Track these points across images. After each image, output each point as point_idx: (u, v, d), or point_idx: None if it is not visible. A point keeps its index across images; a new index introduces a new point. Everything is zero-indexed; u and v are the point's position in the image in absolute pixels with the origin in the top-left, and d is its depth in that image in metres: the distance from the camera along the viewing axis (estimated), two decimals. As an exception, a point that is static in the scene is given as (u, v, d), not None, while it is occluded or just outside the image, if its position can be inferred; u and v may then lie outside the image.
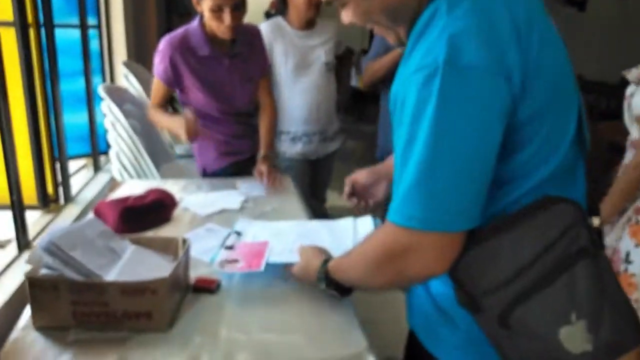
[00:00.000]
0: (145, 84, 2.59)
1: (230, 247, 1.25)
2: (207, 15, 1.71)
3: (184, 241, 1.14)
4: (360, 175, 1.20)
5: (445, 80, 0.66)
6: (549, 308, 0.68)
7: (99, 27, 2.75)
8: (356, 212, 1.27)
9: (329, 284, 0.98)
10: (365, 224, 1.33)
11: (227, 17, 1.69)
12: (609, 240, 1.78)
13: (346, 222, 1.37)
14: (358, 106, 9.26)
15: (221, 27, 1.72)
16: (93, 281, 0.95)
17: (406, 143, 0.71)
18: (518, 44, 0.68)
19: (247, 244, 1.26)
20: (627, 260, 1.68)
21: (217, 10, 1.68)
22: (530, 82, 0.69)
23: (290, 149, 2.62)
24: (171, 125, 1.79)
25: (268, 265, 1.14)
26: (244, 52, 1.89)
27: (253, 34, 1.93)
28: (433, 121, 0.67)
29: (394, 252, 0.74)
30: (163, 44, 1.78)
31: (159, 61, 1.80)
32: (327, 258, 1.01)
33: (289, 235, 1.29)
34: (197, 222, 1.52)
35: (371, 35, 10.90)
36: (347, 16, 0.83)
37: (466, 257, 0.72)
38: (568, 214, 0.70)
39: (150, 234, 1.42)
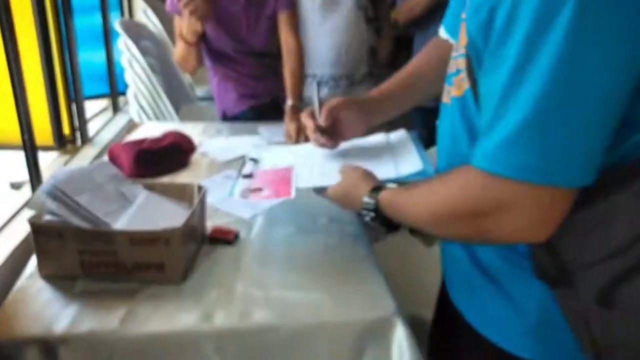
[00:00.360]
0: (165, 21, 2.46)
1: (249, 176, 1.07)
2: None
3: (200, 188, 1.06)
4: (341, 111, 0.98)
5: None
6: None
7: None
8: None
9: (377, 217, 0.81)
10: (401, 139, 1.11)
11: None
12: None
13: (377, 139, 1.14)
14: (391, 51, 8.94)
15: None
16: (100, 229, 0.88)
17: (516, 67, 0.53)
18: None
19: (267, 171, 1.09)
20: None
21: None
22: None
23: (315, 93, 2.51)
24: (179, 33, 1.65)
25: (299, 191, 0.98)
26: None
27: None
28: (567, 37, 0.50)
29: (486, 207, 0.60)
30: None
31: None
32: (378, 185, 0.83)
33: (315, 158, 1.07)
34: (215, 168, 1.44)
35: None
36: None
37: (570, 220, 0.58)
38: None
39: (166, 179, 1.35)
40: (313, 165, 1.06)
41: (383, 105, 1.00)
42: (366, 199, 0.81)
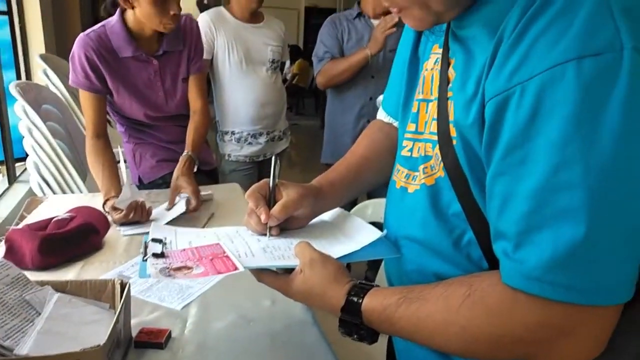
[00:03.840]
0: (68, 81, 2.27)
1: (161, 255, 0.83)
2: (147, 8, 1.45)
3: (122, 284, 0.92)
4: (299, 208, 0.83)
5: (637, 76, 0.45)
6: None
7: (9, 13, 2.38)
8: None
9: (358, 329, 0.65)
10: (338, 214, 0.97)
11: (172, 5, 1.47)
12: None
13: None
14: (295, 100, 9.22)
15: (164, 19, 1.48)
16: (-1, 356, 0.72)
17: (555, 170, 0.48)
18: None
19: (186, 250, 0.87)
20: None
21: (162, 1, 1.44)
22: None
23: (235, 150, 2.46)
24: (103, 190, 1.48)
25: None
26: (175, 49, 1.64)
27: (187, 27, 1.68)
28: (620, 139, 0.45)
29: (537, 334, 0.52)
30: (77, 46, 1.52)
31: (75, 66, 1.53)
32: (355, 283, 0.68)
33: (246, 235, 0.88)
34: (134, 247, 1.29)
35: (305, 31, 10.75)
36: None
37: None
38: None
39: (77, 267, 1.18)
40: (248, 242, 0.86)
41: (334, 195, 0.91)
42: (347, 308, 0.65)
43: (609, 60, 0.46)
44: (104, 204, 1.44)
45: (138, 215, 1.39)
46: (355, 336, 0.66)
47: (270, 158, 2.55)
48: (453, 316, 0.58)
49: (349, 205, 1.36)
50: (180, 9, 1.52)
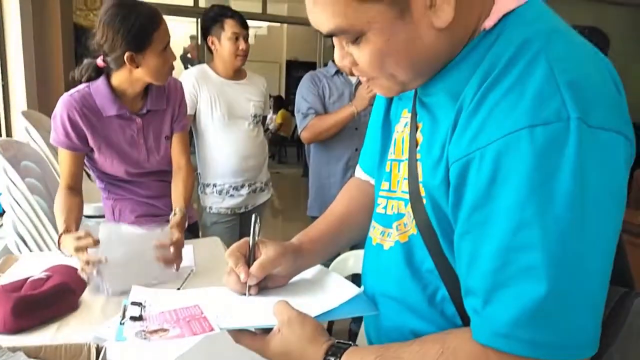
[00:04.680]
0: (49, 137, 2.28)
1: (139, 318, 0.85)
2: (154, 62, 1.52)
3: (98, 349, 0.90)
4: (278, 266, 0.84)
5: (582, 144, 0.49)
6: None
7: (-9, 71, 2.42)
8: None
9: None
10: (317, 272, 0.98)
11: (171, 54, 1.57)
12: None
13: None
14: (278, 149, 9.36)
15: (166, 69, 1.57)
16: None
17: (515, 231, 0.51)
18: (622, 101, 0.55)
19: (164, 312, 0.88)
20: None
21: (164, 51, 1.54)
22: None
23: (217, 203, 2.47)
24: (60, 225, 1.47)
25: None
26: (159, 109, 1.69)
27: (171, 87, 1.73)
28: (572, 202, 0.49)
29: None
30: (60, 106, 1.55)
31: (57, 126, 1.55)
32: (333, 343, 0.68)
33: (224, 295, 0.89)
34: (111, 308, 1.27)
35: (287, 82, 11.00)
36: (345, 58, 0.65)
37: None
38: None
39: (52, 328, 1.16)
40: (227, 302, 0.87)
41: (314, 253, 0.92)
42: None
43: (558, 129, 0.50)
44: (59, 238, 1.43)
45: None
46: None
47: (252, 210, 2.58)
48: None
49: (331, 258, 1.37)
50: (175, 58, 1.59)
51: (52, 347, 0.91)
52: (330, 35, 0.62)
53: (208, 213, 2.51)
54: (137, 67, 1.52)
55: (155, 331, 0.82)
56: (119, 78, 1.56)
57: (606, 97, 0.53)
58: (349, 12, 0.57)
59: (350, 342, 0.68)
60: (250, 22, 2.45)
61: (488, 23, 0.59)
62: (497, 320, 0.53)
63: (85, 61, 1.58)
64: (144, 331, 0.81)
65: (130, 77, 1.54)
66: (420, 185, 0.66)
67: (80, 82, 1.58)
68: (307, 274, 0.97)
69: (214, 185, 2.48)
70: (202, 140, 2.44)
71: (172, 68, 1.59)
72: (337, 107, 2.36)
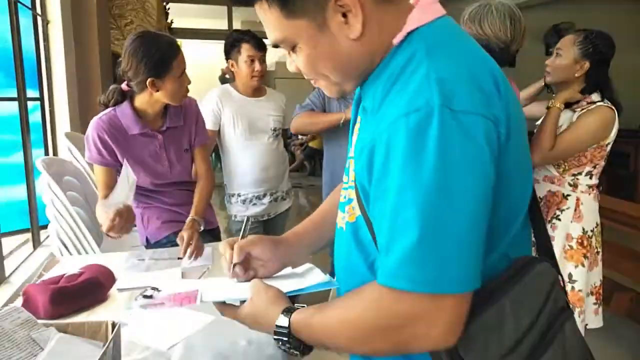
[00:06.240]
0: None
1: (149, 297, 1.16)
2: (172, 86, 1.73)
3: (114, 325, 1.08)
4: (255, 248, 0.99)
5: (444, 124, 0.62)
6: None
7: (41, 99, 2.71)
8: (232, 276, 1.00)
9: (290, 341, 0.79)
10: (306, 267, 1.11)
11: (186, 78, 1.77)
12: None
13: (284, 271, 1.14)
14: (312, 162, 9.52)
15: (183, 92, 1.77)
16: (6, 381, 0.87)
17: (398, 194, 0.64)
18: (499, 96, 0.68)
19: (170, 294, 1.07)
20: (571, 280, 1.93)
21: (181, 77, 1.74)
22: (510, 135, 0.67)
23: (241, 211, 2.62)
24: (99, 216, 1.67)
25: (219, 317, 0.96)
26: (178, 125, 1.89)
27: (187, 105, 1.94)
28: (435, 168, 0.61)
29: (398, 322, 0.66)
30: (91, 128, 1.77)
31: (90, 145, 1.77)
32: (289, 307, 0.82)
33: (221, 281, 1.06)
34: (134, 300, 1.45)
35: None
36: (292, 64, 0.80)
37: (468, 327, 0.66)
38: (547, 273, 0.71)
39: (83, 315, 1.35)
40: (219, 285, 1.07)
41: (297, 245, 1.06)
42: (279, 323, 0.80)
43: (425, 113, 0.63)
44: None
45: (124, 220, 1.55)
46: (288, 346, 0.80)
47: (275, 217, 2.72)
48: (339, 315, 0.74)
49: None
50: (189, 82, 1.80)
51: (77, 323, 1.09)
52: (275, 46, 0.79)
53: (233, 221, 2.68)
54: (157, 90, 1.72)
55: (155, 305, 1.05)
56: (140, 100, 1.77)
57: (472, 89, 0.65)
58: (282, 26, 0.73)
59: (304, 305, 0.83)
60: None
61: (395, 40, 0.73)
62: (389, 265, 0.65)
63: (111, 87, 1.80)
64: (148, 304, 1.07)
65: (150, 99, 1.75)
66: (354, 172, 0.81)
67: (108, 106, 1.80)
68: (297, 269, 1.11)
69: (239, 195, 2.64)
70: (226, 153, 2.62)
71: (187, 90, 1.79)
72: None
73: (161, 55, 1.68)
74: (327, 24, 0.72)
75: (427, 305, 0.64)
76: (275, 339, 0.81)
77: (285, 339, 0.80)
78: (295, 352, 0.81)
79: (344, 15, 0.71)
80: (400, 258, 0.64)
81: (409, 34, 0.73)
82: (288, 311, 0.80)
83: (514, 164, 0.70)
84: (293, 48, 0.76)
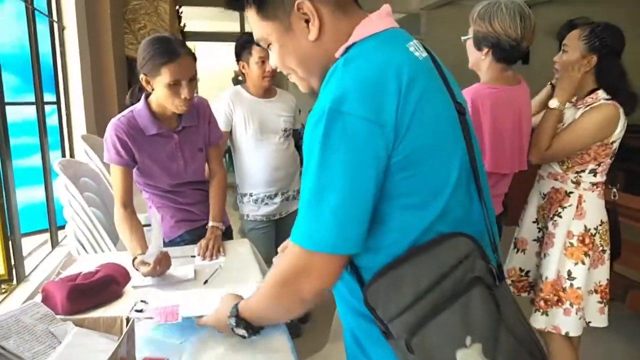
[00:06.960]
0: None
1: (140, 311, 1.33)
2: (162, 91, 1.72)
3: (128, 320, 1.12)
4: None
5: (329, 123, 0.77)
6: (445, 332, 0.76)
7: (57, 103, 2.78)
8: None
9: (238, 323, 1.05)
10: None
11: (184, 90, 1.71)
12: (551, 269, 1.95)
13: None
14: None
15: (177, 101, 1.74)
16: (26, 372, 0.92)
17: (304, 173, 0.82)
18: (397, 99, 0.78)
19: (157, 308, 1.31)
20: (570, 277, 1.91)
21: (174, 85, 1.70)
22: (403, 132, 0.78)
23: (253, 210, 2.66)
24: (131, 251, 1.73)
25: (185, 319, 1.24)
26: (192, 125, 1.93)
27: (199, 106, 1.97)
28: (319, 157, 0.78)
29: (296, 271, 0.84)
30: (109, 129, 1.81)
31: (109, 146, 1.81)
32: (239, 301, 1.08)
33: (202, 294, 1.37)
34: (149, 297, 1.49)
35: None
36: (272, 59, 0.94)
37: (375, 284, 0.79)
38: (463, 246, 0.79)
39: (100, 311, 1.39)
40: (198, 298, 1.36)
41: None
42: (230, 311, 1.06)
43: (319, 113, 0.78)
44: (133, 261, 1.67)
45: (164, 266, 1.63)
46: (238, 328, 1.06)
47: (286, 216, 2.75)
48: (260, 288, 0.98)
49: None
50: (192, 94, 1.77)
51: (93, 318, 1.14)
52: (257, 43, 0.96)
53: (246, 220, 2.71)
54: (152, 89, 1.76)
55: (146, 318, 1.28)
56: (154, 102, 1.82)
57: (365, 97, 0.77)
58: (260, 27, 0.91)
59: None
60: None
61: (337, 53, 0.87)
62: (296, 225, 0.83)
63: (133, 86, 1.85)
64: (140, 318, 1.28)
65: (157, 100, 1.80)
66: None
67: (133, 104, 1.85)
68: None
69: (250, 195, 2.67)
70: (238, 154, 2.65)
71: (187, 101, 1.75)
72: None
73: (152, 57, 1.69)
74: (292, 27, 0.88)
75: (305, 259, 0.82)
76: (228, 324, 1.06)
77: (233, 321, 1.05)
78: (245, 333, 1.05)
79: (306, 21, 0.87)
80: (299, 219, 0.81)
81: (348, 47, 0.86)
82: (237, 304, 1.06)
83: (413, 154, 0.79)
84: (269, 45, 0.93)
